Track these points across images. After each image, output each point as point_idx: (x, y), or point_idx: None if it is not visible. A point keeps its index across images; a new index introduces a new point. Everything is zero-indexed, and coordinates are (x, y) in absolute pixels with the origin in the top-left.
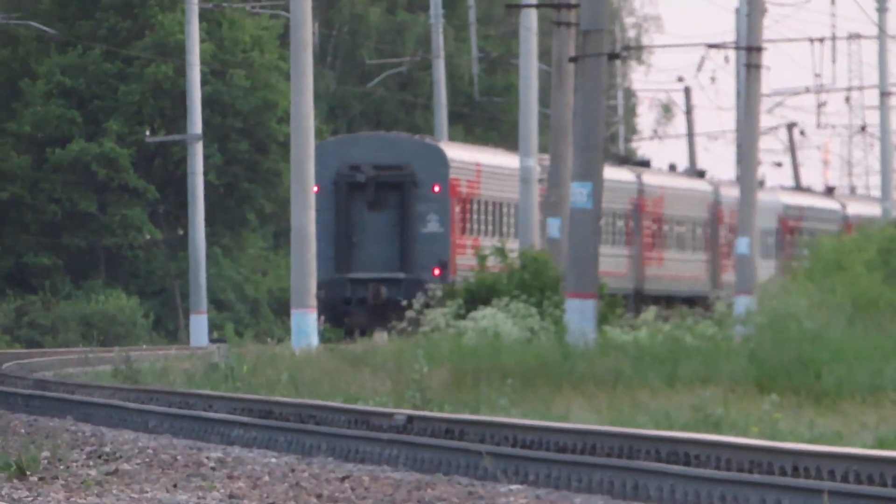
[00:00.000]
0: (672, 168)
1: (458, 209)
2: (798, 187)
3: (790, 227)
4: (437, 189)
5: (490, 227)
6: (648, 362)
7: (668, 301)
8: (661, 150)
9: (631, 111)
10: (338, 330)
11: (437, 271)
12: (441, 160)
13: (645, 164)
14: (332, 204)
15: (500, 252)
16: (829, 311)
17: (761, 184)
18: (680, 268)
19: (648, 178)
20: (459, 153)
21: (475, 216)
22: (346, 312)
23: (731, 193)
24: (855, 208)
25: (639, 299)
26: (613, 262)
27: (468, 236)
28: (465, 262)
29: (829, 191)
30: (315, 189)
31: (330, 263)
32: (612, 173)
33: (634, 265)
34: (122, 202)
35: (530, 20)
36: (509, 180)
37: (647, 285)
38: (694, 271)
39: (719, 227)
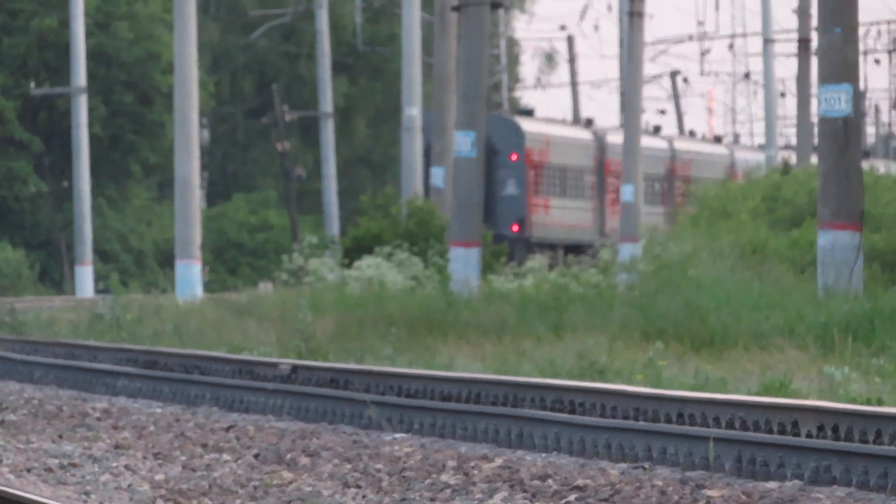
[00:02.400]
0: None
1: (531, 174)
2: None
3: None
4: (514, 157)
5: (557, 189)
6: (534, 311)
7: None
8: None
9: (514, 60)
10: None
11: (515, 227)
12: (517, 132)
13: (528, 112)
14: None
15: (386, 199)
16: (714, 258)
17: (657, 130)
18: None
19: (531, 126)
20: (532, 126)
21: (545, 180)
22: None
23: (619, 141)
24: (742, 155)
25: (526, 247)
26: None
27: (540, 197)
28: (538, 219)
29: (717, 139)
30: None
31: None
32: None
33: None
34: (6, 154)
35: None
36: (572, 149)
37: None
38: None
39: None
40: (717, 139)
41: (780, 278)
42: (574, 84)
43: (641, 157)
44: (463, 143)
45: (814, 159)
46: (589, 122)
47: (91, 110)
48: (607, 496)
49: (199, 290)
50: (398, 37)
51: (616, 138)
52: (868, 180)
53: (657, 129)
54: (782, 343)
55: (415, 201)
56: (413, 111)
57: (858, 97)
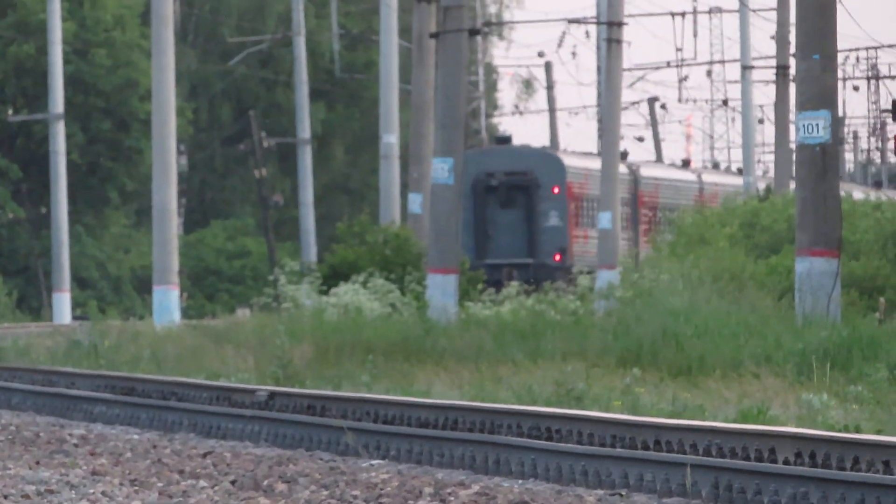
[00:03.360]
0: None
1: (573, 206)
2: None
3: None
4: (556, 190)
5: (595, 221)
6: (511, 337)
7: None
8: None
9: (492, 87)
10: None
11: (557, 257)
12: (559, 167)
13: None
14: (471, 204)
15: (362, 227)
16: (692, 285)
17: (686, 163)
18: None
19: (572, 161)
20: (573, 161)
21: (585, 212)
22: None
23: (652, 173)
24: (710, 178)
25: (566, 275)
26: None
27: (581, 228)
28: (579, 249)
29: (686, 163)
30: None
31: (471, 252)
32: None
33: None
34: None
35: None
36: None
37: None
38: None
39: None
40: (686, 163)
41: (758, 305)
42: (552, 111)
43: (675, 189)
44: (440, 169)
45: (792, 186)
46: (623, 156)
47: (69, 137)
48: None
49: (176, 317)
50: (376, 64)
51: (649, 171)
52: (846, 207)
53: (686, 163)
54: (760, 370)
55: (391, 228)
56: (391, 138)
57: (837, 124)
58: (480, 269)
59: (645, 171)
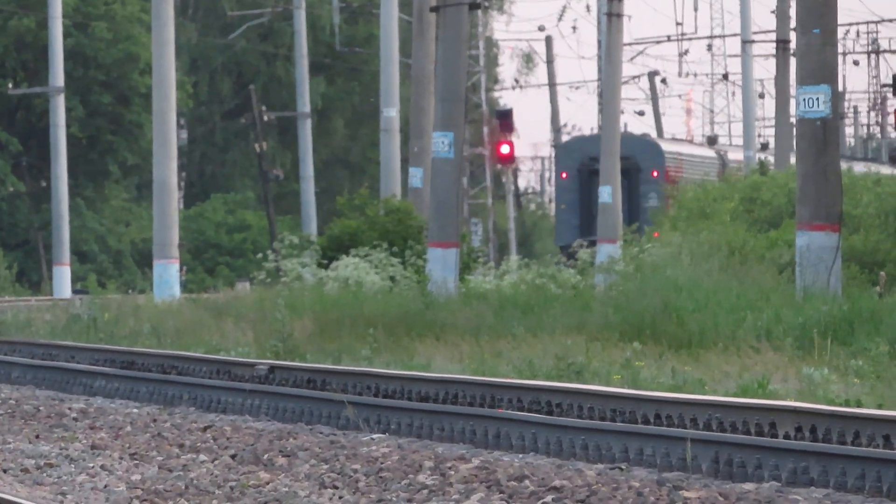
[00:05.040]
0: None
1: (669, 188)
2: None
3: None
4: (655, 174)
5: None
6: (511, 311)
7: None
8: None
9: (492, 61)
10: None
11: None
12: (658, 152)
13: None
14: (577, 186)
15: (362, 200)
16: (693, 259)
17: (713, 141)
18: None
19: (669, 146)
20: (670, 146)
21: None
22: None
23: (737, 157)
24: (734, 156)
25: None
26: None
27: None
28: None
29: (711, 140)
30: (563, 175)
31: (576, 230)
32: None
33: None
34: None
35: None
36: (700, 165)
37: None
38: None
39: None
40: (712, 140)
41: (759, 279)
42: (552, 85)
43: (698, 166)
44: (441, 143)
45: (792, 160)
46: (712, 141)
47: (69, 111)
48: (584, 497)
49: (176, 291)
50: (376, 37)
51: (735, 155)
52: (846, 181)
53: (712, 141)
54: (760, 345)
55: (392, 201)
56: (391, 112)
57: (837, 98)
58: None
59: (732, 155)
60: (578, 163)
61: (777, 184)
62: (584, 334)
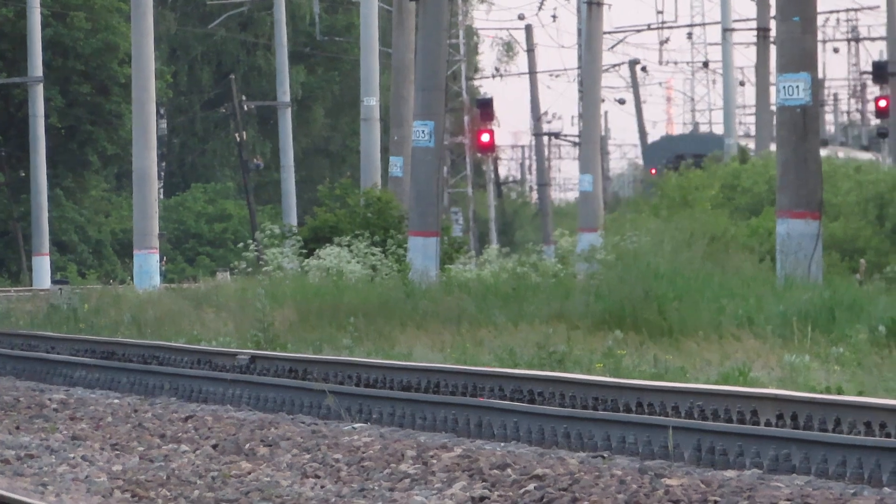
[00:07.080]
0: None
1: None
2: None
3: None
4: None
5: None
6: (493, 300)
7: None
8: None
9: (473, 50)
10: None
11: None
12: (720, 146)
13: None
14: None
15: (344, 190)
16: (674, 247)
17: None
18: None
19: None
20: (745, 144)
21: None
22: None
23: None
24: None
25: None
26: None
27: None
28: None
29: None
30: (653, 171)
31: None
32: None
33: None
34: None
35: None
36: None
37: None
38: None
39: None
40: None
41: (740, 267)
42: (532, 73)
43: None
44: (421, 132)
45: (773, 148)
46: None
47: (48, 101)
48: (566, 485)
49: (157, 281)
50: (356, 27)
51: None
52: (827, 168)
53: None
54: (741, 332)
55: (373, 191)
56: (371, 101)
57: (817, 86)
58: None
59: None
60: (666, 159)
61: (757, 171)
62: (566, 323)
